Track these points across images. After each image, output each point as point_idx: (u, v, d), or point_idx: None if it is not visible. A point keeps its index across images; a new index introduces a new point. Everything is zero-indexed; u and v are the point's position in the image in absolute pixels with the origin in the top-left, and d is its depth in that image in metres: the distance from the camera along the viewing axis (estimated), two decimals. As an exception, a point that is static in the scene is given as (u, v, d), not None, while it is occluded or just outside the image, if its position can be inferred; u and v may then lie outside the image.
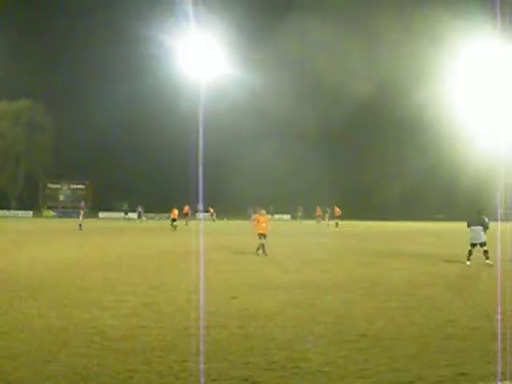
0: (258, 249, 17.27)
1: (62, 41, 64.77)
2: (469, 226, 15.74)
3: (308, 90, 65.42)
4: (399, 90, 58.97)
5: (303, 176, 64.54)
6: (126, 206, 58.38)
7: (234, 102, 61.25)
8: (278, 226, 38.45)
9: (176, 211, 37.47)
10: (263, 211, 17.99)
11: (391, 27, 56.43)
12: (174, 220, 35.59)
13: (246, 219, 55.02)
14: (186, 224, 42.25)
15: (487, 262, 15.07)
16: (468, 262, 15.11)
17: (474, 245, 15.48)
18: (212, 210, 55.75)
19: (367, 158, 70.89)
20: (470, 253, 15.38)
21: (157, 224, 48.22)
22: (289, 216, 68.56)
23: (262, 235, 17.25)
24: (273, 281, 11.67)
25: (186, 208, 46.21)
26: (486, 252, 15.29)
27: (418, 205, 68.50)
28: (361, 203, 68.05)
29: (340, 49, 59.86)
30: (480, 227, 15.43)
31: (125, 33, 58.25)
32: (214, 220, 54.80)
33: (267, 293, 10.05)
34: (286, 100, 62.76)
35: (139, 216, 52.26)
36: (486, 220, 15.50)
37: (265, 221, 17.53)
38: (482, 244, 15.37)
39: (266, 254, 16.88)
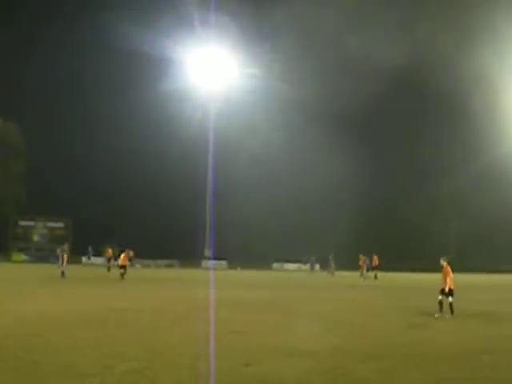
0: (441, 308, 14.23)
1: (48, 56, 56.77)
2: None
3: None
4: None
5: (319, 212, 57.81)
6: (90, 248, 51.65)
7: (251, 116, 56.23)
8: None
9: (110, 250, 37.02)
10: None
11: None
12: (122, 267, 27.63)
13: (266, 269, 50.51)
14: (109, 270, 35.18)
15: None
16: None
17: None
18: (131, 254, 36.11)
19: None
20: None
21: (152, 273, 39.39)
22: (296, 265, 55.23)
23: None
24: (297, 345, 9.60)
25: (110, 251, 38.47)
26: None
27: (480, 252, 55.36)
28: (398, 248, 56.19)
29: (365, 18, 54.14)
30: None
31: (118, 43, 50.35)
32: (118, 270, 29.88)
33: (289, 360, 8.36)
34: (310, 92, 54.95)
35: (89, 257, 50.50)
36: None
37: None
38: None
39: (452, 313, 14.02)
